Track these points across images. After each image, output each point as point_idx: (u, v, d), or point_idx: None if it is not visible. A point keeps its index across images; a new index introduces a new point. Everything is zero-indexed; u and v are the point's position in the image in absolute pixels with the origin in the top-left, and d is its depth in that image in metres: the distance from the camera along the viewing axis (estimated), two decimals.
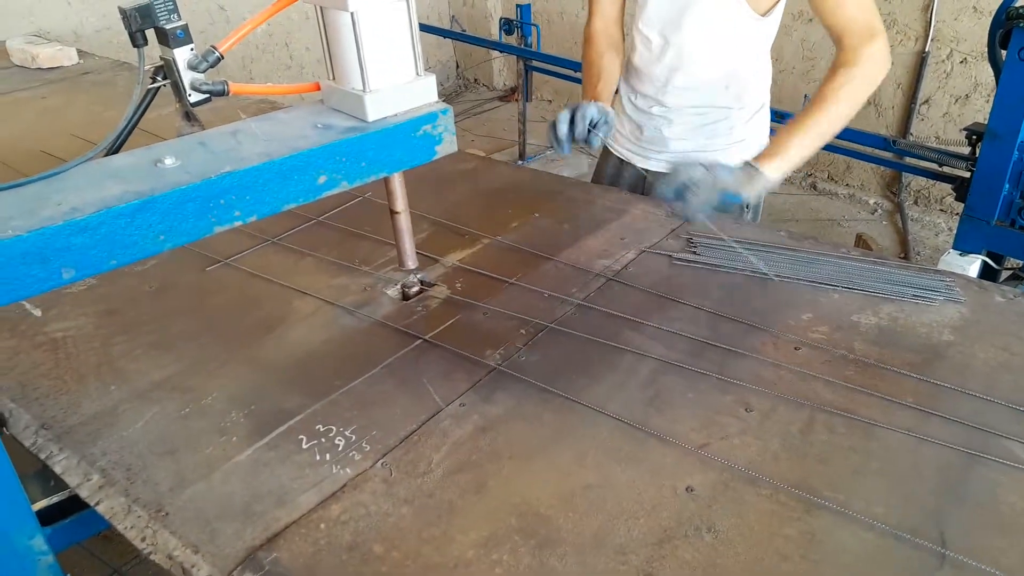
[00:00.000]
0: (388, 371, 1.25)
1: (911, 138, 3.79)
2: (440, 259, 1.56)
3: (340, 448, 1.10)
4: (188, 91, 1.10)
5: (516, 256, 1.56)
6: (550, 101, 5.59)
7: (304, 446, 1.11)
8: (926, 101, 3.80)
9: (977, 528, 0.94)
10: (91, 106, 2.61)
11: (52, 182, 0.94)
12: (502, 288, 1.46)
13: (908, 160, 3.05)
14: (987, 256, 2.51)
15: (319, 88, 1.18)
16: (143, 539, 0.98)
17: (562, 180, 1.95)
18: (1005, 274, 2.67)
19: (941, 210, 3.95)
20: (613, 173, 1.98)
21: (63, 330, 1.40)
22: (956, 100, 3.71)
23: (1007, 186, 2.42)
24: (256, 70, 4.64)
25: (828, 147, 3.20)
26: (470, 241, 1.63)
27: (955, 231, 2.62)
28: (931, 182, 3.69)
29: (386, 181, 1.28)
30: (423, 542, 0.96)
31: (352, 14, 1.03)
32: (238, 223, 0.99)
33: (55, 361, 1.32)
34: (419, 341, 1.32)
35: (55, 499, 1.17)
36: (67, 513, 1.18)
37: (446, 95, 5.79)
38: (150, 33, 1.07)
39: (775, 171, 1.49)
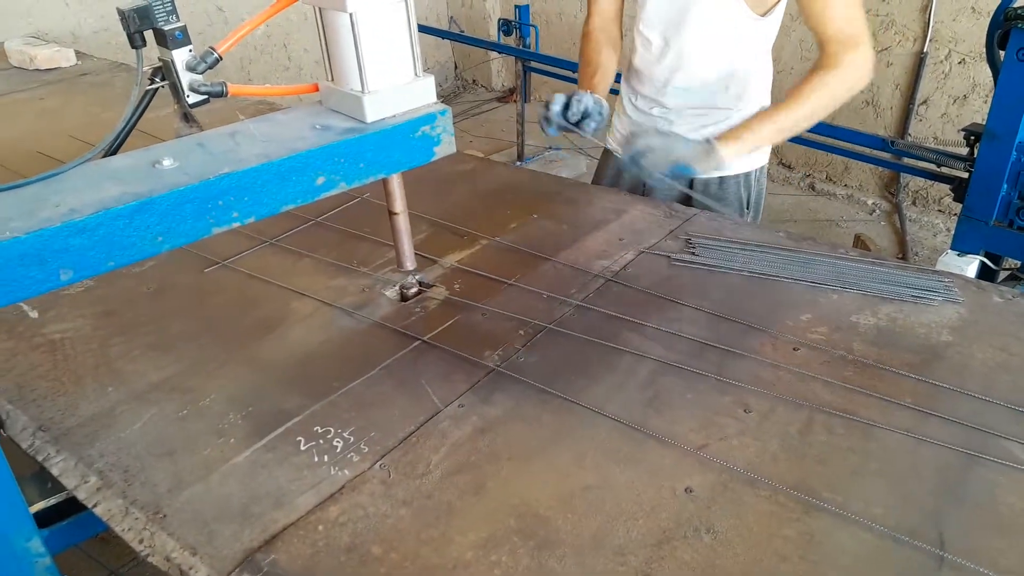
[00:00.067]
0: (387, 372, 1.25)
1: (909, 139, 3.79)
2: (439, 260, 1.56)
3: (338, 449, 1.10)
4: (186, 92, 1.10)
5: (515, 257, 1.56)
6: None
7: (302, 448, 1.11)
8: (924, 102, 3.80)
9: (976, 529, 0.94)
10: (89, 107, 2.61)
11: (50, 183, 0.94)
12: (501, 289, 1.45)
13: (906, 161, 3.05)
14: (985, 256, 2.51)
15: (317, 89, 1.18)
16: (141, 541, 0.98)
17: (561, 181, 1.95)
18: (1003, 274, 2.67)
19: (939, 211, 3.96)
20: (614, 174, 1.98)
21: (61, 331, 1.40)
22: (954, 101, 3.71)
23: (1005, 187, 2.42)
24: (254, 71, 4.64)
25: (826, 147, 3.25)
26: (469, 242, 1.63)
27: (953, 232, 2.62)
28: (929, 183, 3.69)
29: (385, 182, 1.28)
30: (422, 543, 0.96)
31: (351, 15, 1.03)
32: (236, 224, 0.99)
33: (53, 363, 1.32)
34: (418, 342, 1.32)
35: (52, 501, 1.17)
36: (64, 515, 1.17)
37: (444, 96, 5.79)
38: (148, 34, 1.07)
39: (730, 153, 1.53)
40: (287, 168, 1.02)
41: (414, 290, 1.45)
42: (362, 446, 1.10)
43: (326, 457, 1.09)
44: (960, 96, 3.69)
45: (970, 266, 2.47)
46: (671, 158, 1.49)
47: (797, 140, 3.19)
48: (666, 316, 1.35)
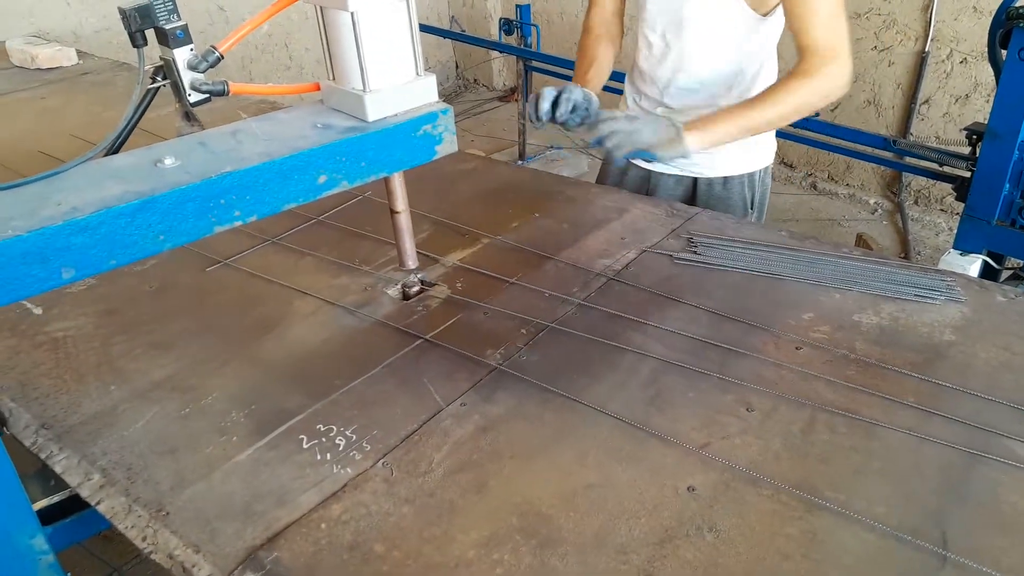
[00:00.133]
0: (389, 371, 1.25)
1: (911, 138, 3.79)
2: (440, 259, 1.56)
3: (341, 448, 1.10)
4: (188, 91, 1.10)
5: (517, 256, 1.56)
6: None
7: (305, 446, 1.11)
8: (926, 101, 3.80)
9: (978, 528, 0.93)
10: (90, 106, 2.61)
11: (52, 182, 0.94)
12: (503, 288, 1.45)
13: (908, 160, 3.05)
14: (987, 256, 2.51)
15: (319, 88, 1.18)
16: (144, 539, 0.98)
17: (562, 180, 1.95)
18: (1006, 274, 2.67)
19: (941, 210, 3.95)
20: (618, 173, 1.98)
21: (63, 330, 1.40)
22: (956, 100, 3.71)
23: (1007, 186, 2.42)
24: (255, 70, 4.64)
25: (828, 147, 3.25)
26: (470, 241, 1.63)
27: (955, 231, 2.62)
28: (931, 182, 3.69)
29: (386, 181, 1.28)
30: (424, 542, 0.96)
31: (352, 14, 1.03)
32: (238, 223, 0.99)
33: (55, 361, 1.32)
34: (420, 341, 1.32)
35: (55, 499, 1.17)
36: (67, 513, 1.18)
37: (446, 95, 5.79)
38: (150, 33, 1.07)
39: (695, 143, 1.54)
40: (289, 167, 1.02)
41: (416, 289, 1.45)
42: (364, 444, 1.10)
43: (328, 455, 1.09)
44: (962, 95, 3.68)
45: (972, 265, 2.47)
46: (636, 144, 1.52)
47: (799, 139, 3.21)
48: (668, 315, 1.35)
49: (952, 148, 2.79)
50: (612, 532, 0.95)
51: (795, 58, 1.54)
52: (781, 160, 4.46)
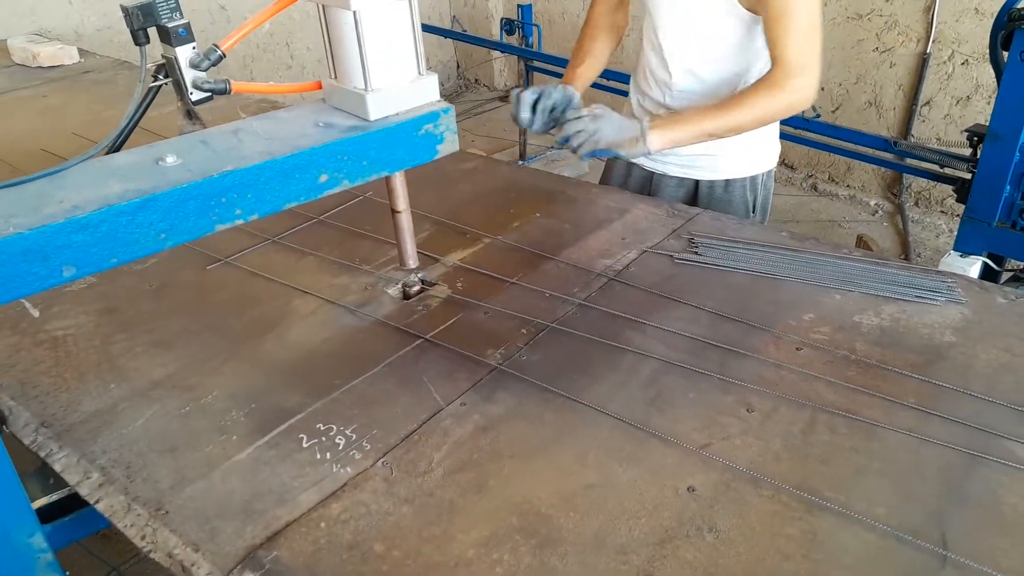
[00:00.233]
0: (389, 370, 1.25)
1: (912, 139, 3.79)
2: (441, 258, 1.56)
3: (341, 447, 1.10)
4: (190, 89, 1.09)
5: (517, 256, 1.56)
6: None
7: (304, 445, 1.11)
8: (927, 102, 3.80)
9: (978, 529, 0.93)
10: (92, 105, 2.61)
11: (53, 180, 0.94)
12: (503, 288, 1.45)
13: (909, 161, 3.05)
14: (988, 258, 2.51)
15: (321, 87, 1.17)
16: (143, 537, 0.98)
17: (563, 180, 1.95)
18: (1006, 276, 2.67)
19: (942, 211, 3.95)
20: (622, 174, 1.99)
21: (63, 328, 1.40)
22: (957, 101, 3.71)
23: (1008, 188, 2.42)
24: (257, 69, 4.64)
25: (829, 148, 3.24)
26: (471, 240, 1.63)
27: (956, 233, 2.62)
28: (932, 183, 3.69)
29: (387, 180, 1.28)
30: (424, 541, 0.96)
31: (354, 13, 1.03)
32: (239, 221, 0.99)
33: (55, 359, 1.32)
34: (420, 340, 1.32)
35: (54, 497, 1.17)
36: (66, 511, 1.18)
37: (447, 95, 5.79)
38: (152, 32, 1.06)
39: (657, 142, 1.58)
40: (290, 165, 1.01)
41: (416, 288, 1.45)
42: (364, 444, 1.10)
43: (328, 454, 1.09)
44: (963, 97, 3.68)
45: (973, 267, 2.47)
46: (597, 142, 1.56)
47: (800, 140, 3.21)
48: (669, 315, 1.35)
49: (953, 150, 2.79)
50: (612, 532, 0.95)
51: None
52: (782, 161, 4.44)
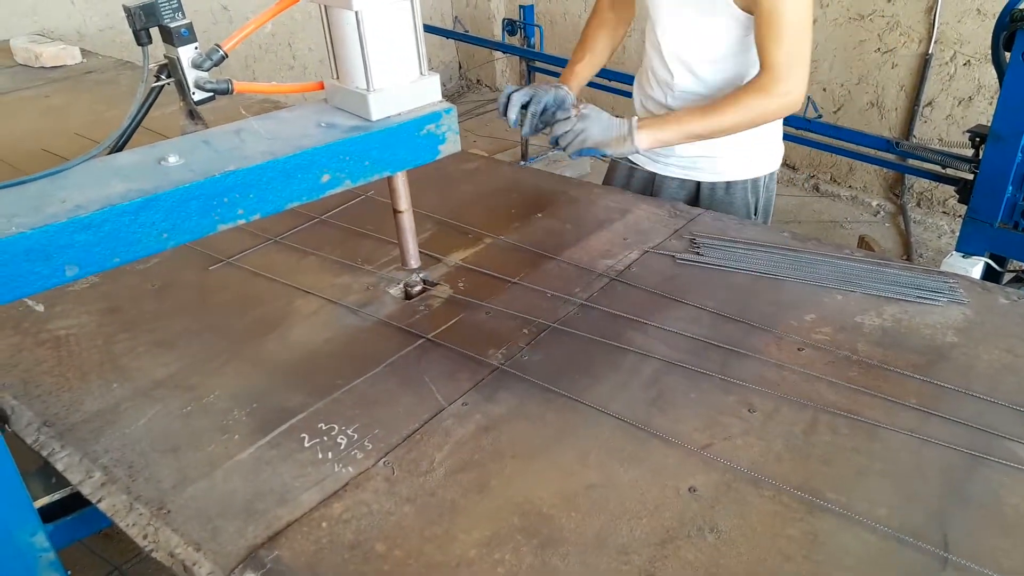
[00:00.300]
0: (390, 370, 1.25)
1: (914, 140, 3.78)
2: (443, 258, 1.56)
3: (342, 447, 1.10)
4: (192, 89, 1.10)
5: (519, 256, 1.56)
6: None
7: (306, 444, 1.11)
8: (929, 103, 3.79)
9: (980, 530, 0.93)
10: (94, 105, 2.62)
11: (56, 180, 0.94)
12: (505, 288, 1.45)
13: (911, 162, 3.05)
14: (990, 258, 2.50)
15: (323, 87, 1.18)
16: (145, 536, 0.98)
17: (565, 180, 1.95)
18: (1008, 276, 2.66)
19: (944, 212, 3.95)
20: (624, 175, 1.99)
21: (66, 327, 1.40)
22: (959, 102, 3.70)
23: (1010, 188, 2.41)
24: (259, 70, 4.64)
25: (831, 148, 3.24)
26: (473, 240, 1.63)
27: (958, 233, 2.62)
28: (934, 184, 3.68)
29: (389, 180, 1.28)
30: (425, 541, 0.96)
31: (356, 13, 1.03)
32: (241, 221, 0.99)
33: (58, 358, 1.32)
34: (422, 340, 1.32)
35: (57, 496, 1.17)
36: (69, 510, 1.18)
37: (449, 96, 5.78)
38: (155, 32, 1.06)
39: (644, 142, 1.60)
40: (292, 165, 1.02)
41: (418, 288, 1.45)
42: (366, 443, 1.11)
43: (330, 454, 1.09)
44: (965, 98, 3.68)
45: (975, 268, 2.46)
46: (584, 142, 1.59)
47: (802, 141, 3.21)
48: (670, 315, 1.35)
49: (955, 150, 2.79)
50: (613, 532, 0.95)
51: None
52: (784, 162, 4.45)
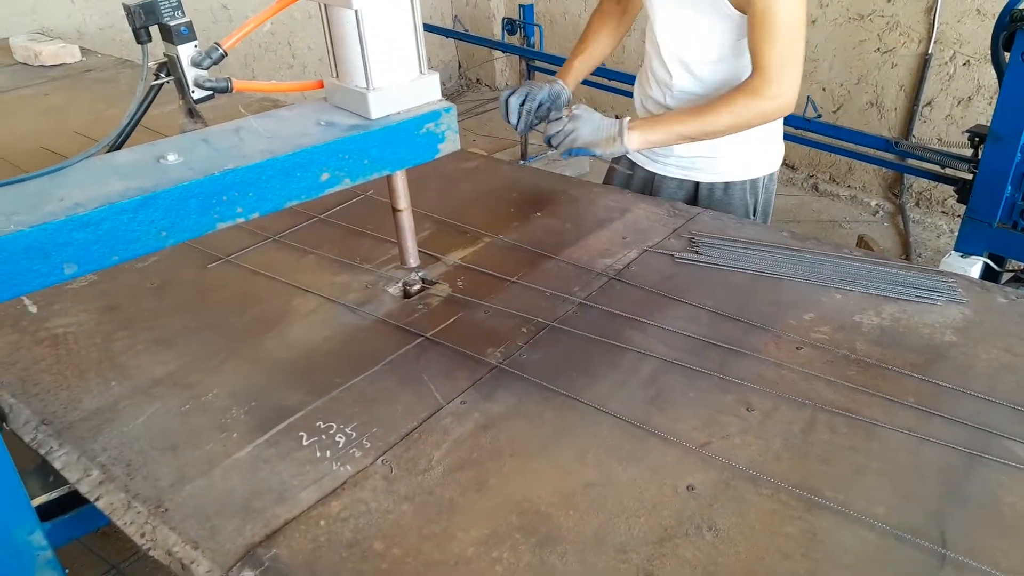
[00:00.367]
0: (389, 368, 1.25)
1: (913, 140, 3.78)
2: (442, 257, 1.56)
3: (341, 445, 1.10)
4: (191, 88, 1.09)
5: (518, 255, 1.56)
6: None
7: (304, 443, 1.11)
8: (929, 103, 3.80)
9: (978, 529, 0.93)
10: (94, 104, 2.62)
11: (55, 178, 0.94)
12: (504, 286, 1.45)
13: (910, 162, 3.05)
14: (988, 258, 2.50)
15: (322, 86, 1.18)
16: (142, 535, 0.98)
17: (564, 179, 1.95)
18: (1006, 276, 2.66)
19: (943, 212, 3.95)
20: (624, 174, 1.99)
21: (64, 326, 1.40)
22: (959, 102, 3.71)
23: (1009, 188, 2.41)
24: (258, 69, 4.64)
25: (830, 148, 3.24)
26: (472, 239, 1.63)
27: (957, 233, 2.62)
28: (933, 184, 3.68)
29: (388, 179, 1.28)
30: (423, 539, 0.96)
31: (356, 12, 1.03)
32: (240, 220, 0.99)
33: (56, 357, 1.32)
34: (420, 339, 1.32)
35: (55, 495, 1.17)
36: (66, 509, 1.18)
37: (448, 95, 5.78)
38: (154, 30, 1.06)
39: (635, 143, 1.62)
40: (292, 164, 1.02)
41: (417, 287, 1.45)
42: (364, 442, 1.11)
43: (328, 452, 1.09)
44: (964, 98, 3.68)
45: (973, 268, 2.47)
46: (574, 142, 1.62)
47: (801, 141, 3.21)
48: (669, 314, 1.35)
49: (954, 150, 2.79)
50: (612, 531, 0.95)
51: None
52: (783, 161, 4.45)
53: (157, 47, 1.08)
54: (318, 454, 1.09)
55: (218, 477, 1.06)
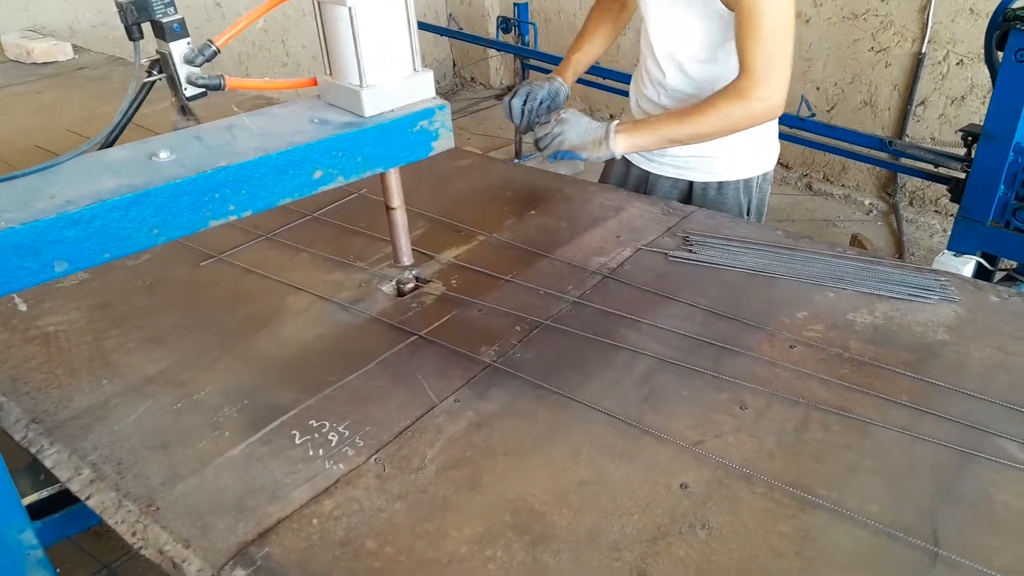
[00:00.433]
0: (382, 367, 1.25)
1: (907, 139, 3.80)
2: (436, 256, 1.56)
3: (333, 443, 1.10)
4: (184, 85, 1.09)
5: (512, 253, 1.56)
6: None
7: (297, 441, 1.10)
8: (922, 102, 3.81)
9: (970, 527, 0.94)
10: (86, 101, 2.60)
11: (46, 175, 0.93)
12: (497, 285, 1.45)
13: (904, 161, 3.06)
14: (981, 257, 2.51)
15: (316, 83, 1.17)
16: (134, 533, 0.98)
17: (559, 178, 1.95)
18: (999, 275, 2.67)
19: (936, 211, 3.96)
20: (620, 173, 1.99)
21: (55, 324, 1.40)
22: (952, 101, 3.72)
23: (1002, 187, 2.42)
24: (252, 67, 4.63)
25: (824, 147, 3.25)
26: (466, 238, 1.63)
27: (950, 232, 2.63)
28: (926, 183, 3.69)
29: (382, 177, 1.27)
30: (416, 538, 0.95)
31: (350, 9, 1.03)
32: (233, 217, 0.99)
33: (47, 355, 1.31)
34: (414, 337, 1.31)
35: (45, 493, 1.17)
36: (57, 507, 1.17)
37: (443, 93, 5.76)
38: (147, 27, 1.06)
39: (622, 146, 1.62)
40: (284, 161, 1.01)
41: (411, 285, 1.45)
42: (357, 440, 1.10)
43: (321, 451, 1.09)
44: (958, 97, 3.69)
45: (966, 267, 2.47)
46: (560, 145, 1.63)
47: (795, 140, 3.21)
48: (663, 313, 1.35)
49: (947, 149, 2.80)
50: (605, 529, 0.95)
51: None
52: (777, 160, 4.46)
53: (150, 44, 1.07)
54: (311, 452, 1.08)
55: (210, 475, 1.05)
